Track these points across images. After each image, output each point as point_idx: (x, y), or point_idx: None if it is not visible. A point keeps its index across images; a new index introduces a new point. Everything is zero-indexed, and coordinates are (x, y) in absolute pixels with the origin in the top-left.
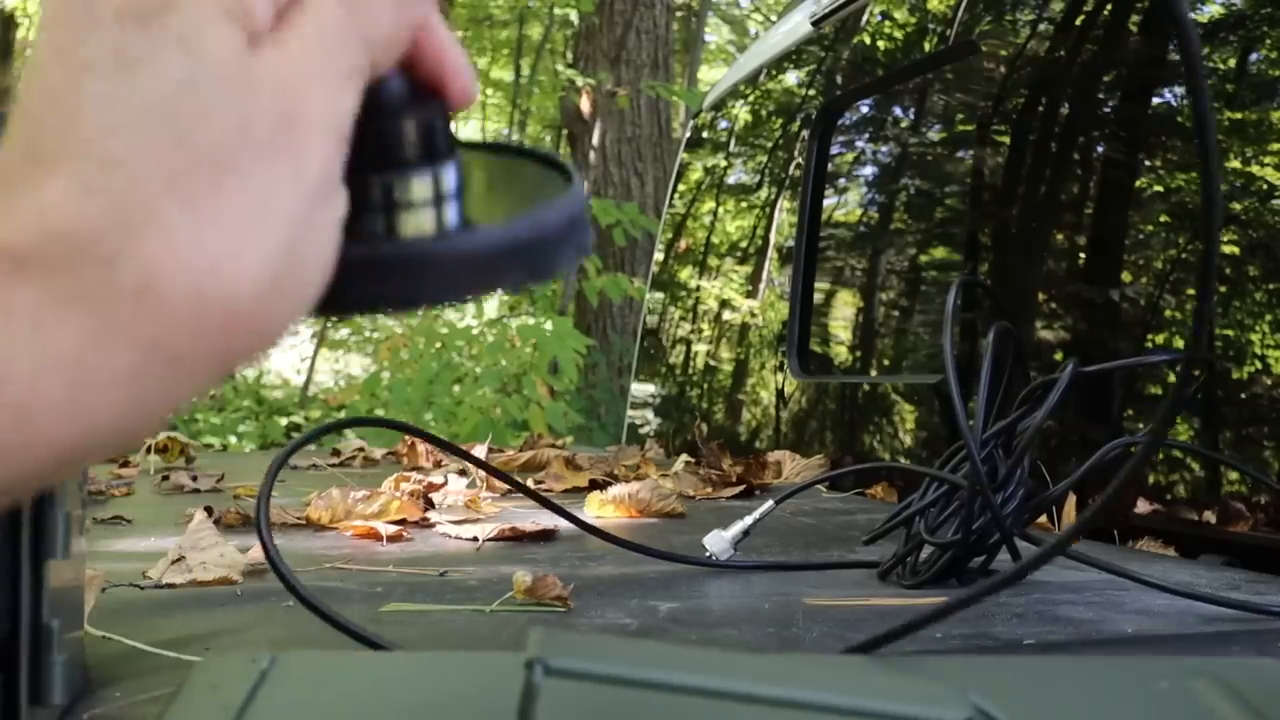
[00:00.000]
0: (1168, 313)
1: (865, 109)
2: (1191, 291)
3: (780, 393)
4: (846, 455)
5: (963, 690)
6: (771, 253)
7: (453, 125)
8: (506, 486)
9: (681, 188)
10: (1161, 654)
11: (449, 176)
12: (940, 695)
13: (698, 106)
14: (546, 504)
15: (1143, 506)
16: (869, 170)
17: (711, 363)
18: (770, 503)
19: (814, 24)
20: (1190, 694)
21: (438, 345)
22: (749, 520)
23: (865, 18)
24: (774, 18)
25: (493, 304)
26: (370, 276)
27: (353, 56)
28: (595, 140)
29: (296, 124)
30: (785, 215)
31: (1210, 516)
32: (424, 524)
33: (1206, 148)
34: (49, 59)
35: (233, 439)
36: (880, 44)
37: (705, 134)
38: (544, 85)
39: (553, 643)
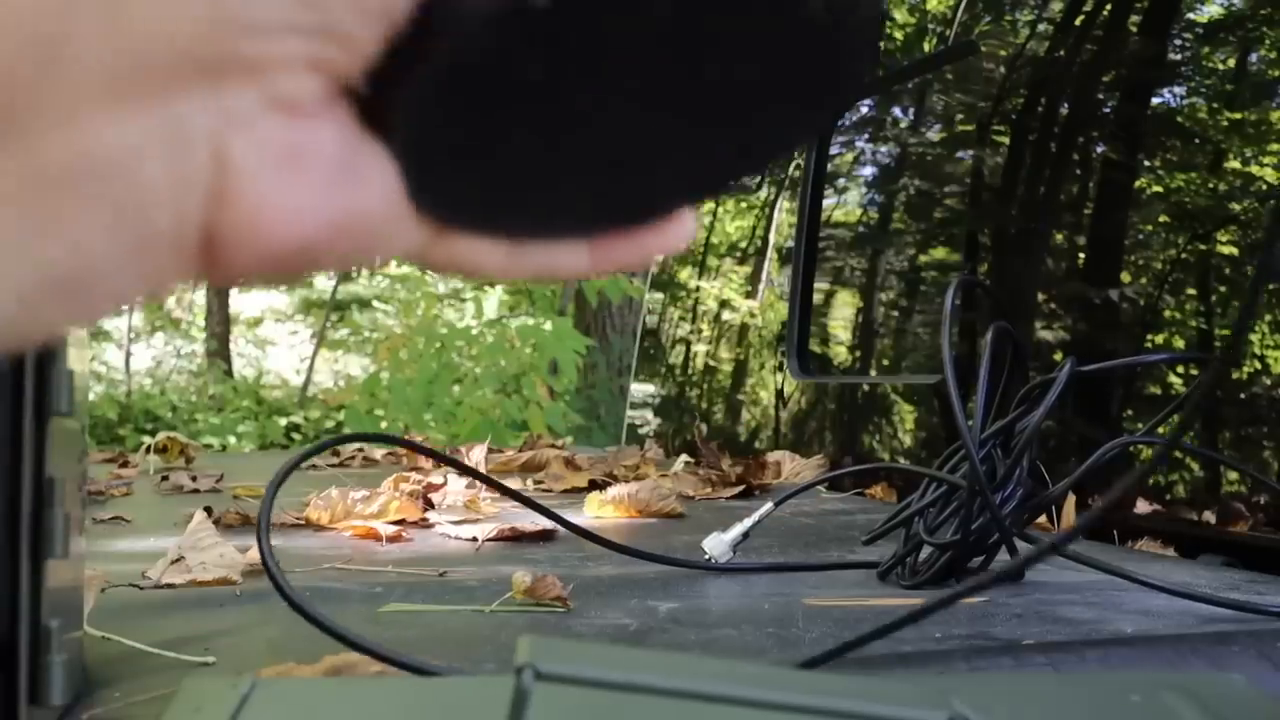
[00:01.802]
0: (1167, 313)
1: (865, 109)
2: (1191, 291)
3: (780, 393)
4: (846, 455)
5: (944, 694)
6: (771, 253)
7: None
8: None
9: None
10: (1160, 654)
11: None
12: (923, 699)
13: None
14: (538, 509)
15: (1143, 506)
16: (869, 170)
17: (711, 363)
18: (769, 505)
19: None
20: (1162, 707)
21: (437, 345)
22: (748, 523)
23: None
24: None
25: (493, 304)
26: None
27: None
28: None
29: None
30: (785, 215)
31: (1210, 516)
32: (423, 524)
33: None
34: None
35: (232, 439)
36: (880, 44)
37: None
38: None
39: (543, 649)
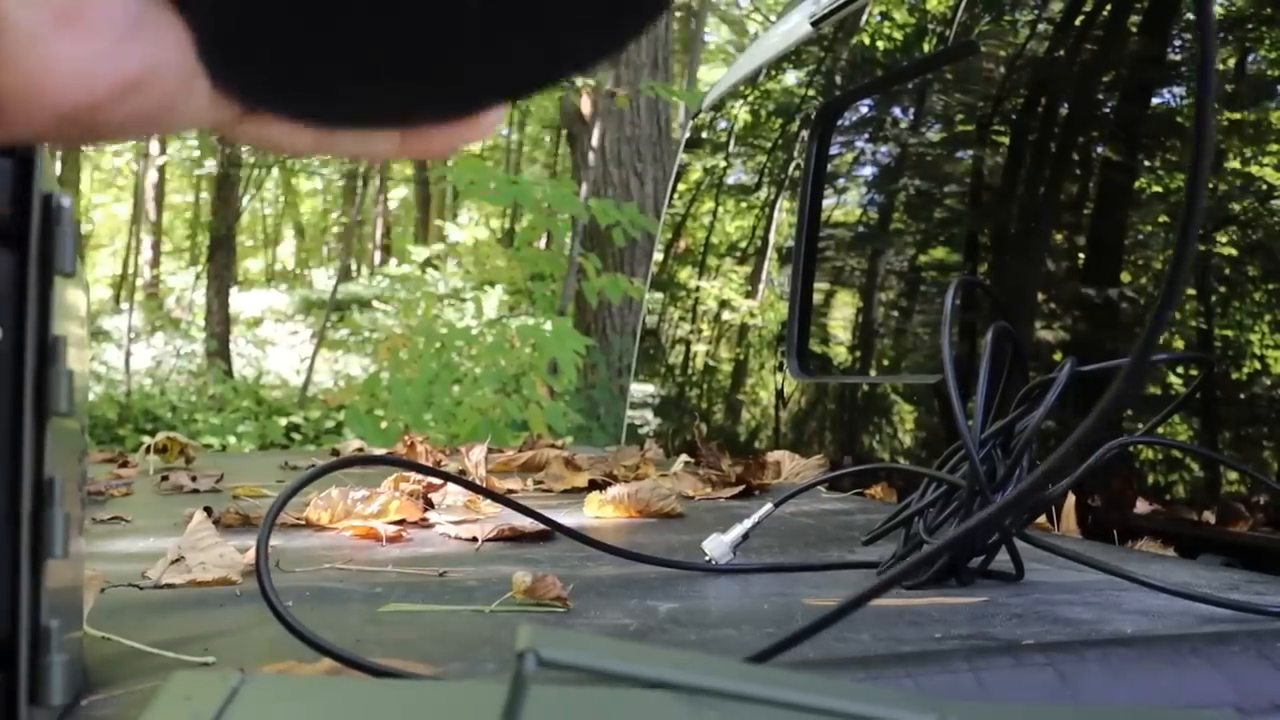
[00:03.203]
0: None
1: (865, 109)
2: (1192, 291)
3: (779, 393)
4: (846, 456)
5: (939, 703)
6: (771, 253)
7: None
8: (506, 487)
9: (681, 188)
10: (1160, 654)
11: None
12: (912, 702)
13: (697, 107)
14: (532, 514)
15: (1142, 506)
16: (868, 170)
17: (711, 363)
18: (769, 506)
19: (813, 24)
20: None
21: (437, 346)
22: (748, 524)
23: (864, 18)
24: (773, 18)
25: (492, 304)
26: None
27: None
28: (595, 141)
29: None
30: (785, 215)
31: (1210, 517)
32: (423, 524)
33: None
34: None
35: (232, 439)
36: (879, 44)
37: (705, 134)
38: None
39: (544, 636)
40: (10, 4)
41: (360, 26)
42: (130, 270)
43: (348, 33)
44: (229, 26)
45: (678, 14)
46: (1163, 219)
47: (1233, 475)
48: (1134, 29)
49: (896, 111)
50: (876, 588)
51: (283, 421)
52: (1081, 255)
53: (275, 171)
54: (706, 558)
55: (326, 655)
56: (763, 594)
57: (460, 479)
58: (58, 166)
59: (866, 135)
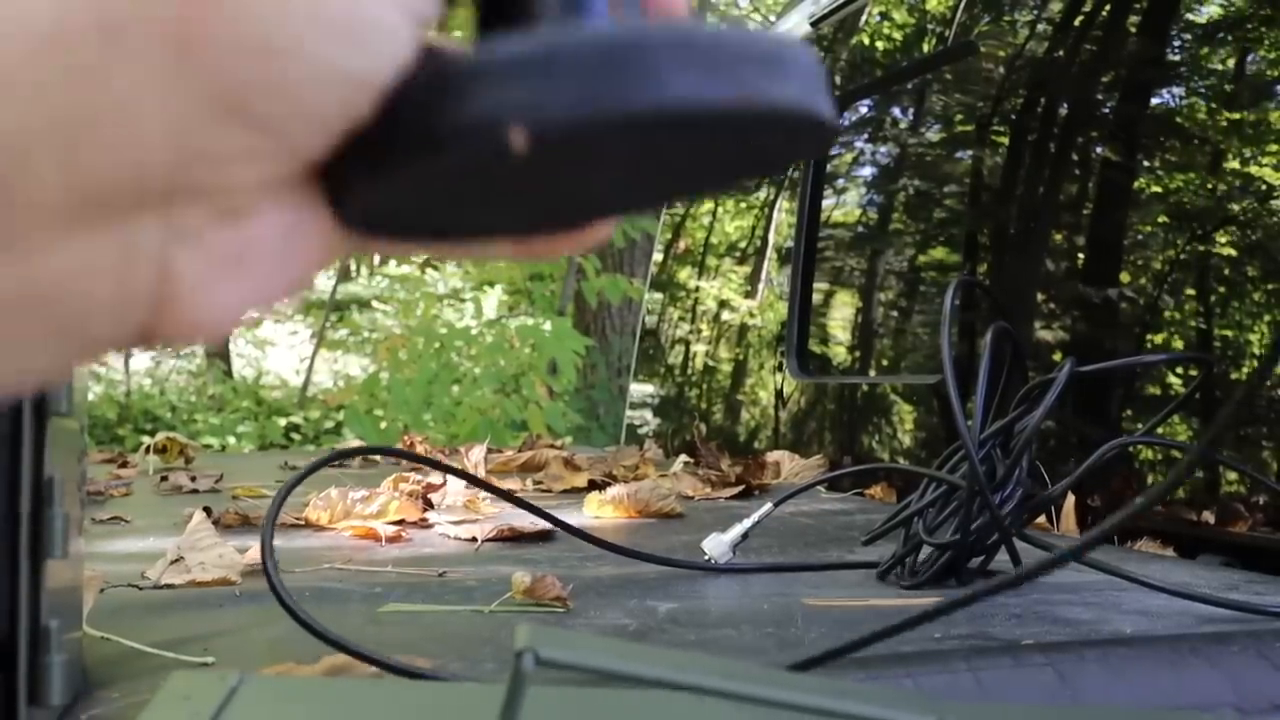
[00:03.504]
0: (1166, 313)
1: (864, 109)
2: (1191, 291)
3: (779, 393)
4: (845, 456)
5: (933, 700)
6: (770, 253)
7: None
8: (505, 487)
9: None
10: (1159, 654)
11: None
12: (912, 702)
13: None
14: (537, 512)
15: None
16: (868, 170)
17: (710, 363)
18: (768, 505)
19: (812, 24)
20: None
21: (436, 346)
22: (747, 524)
23: (864, 18)
24: (773, 18)
25: (492, 304)
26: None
27: None
28: None
29: None
30: (784, 215)
31: (1209, 517)
32: (423, 524)
33: None
34: None
35: (231, 439)
36: (879, 44)
37: None
38: None
39: (543, 635)
40: (176, 254)
41: (492, 198)
42: None
43: (480, 202)
44: (373, 219)
45: None
46: (1162, 219)
47: (1232, 475)
48: (1133, 29)
49: (896, 112)
50: (965, 598)
51: (282, 422)
52: (1081, 255)
53: None
54: (706, 557)
55: (338, 649)
56: (762, 594)
57: (464, 473)
58: None
59: (866, 135)
